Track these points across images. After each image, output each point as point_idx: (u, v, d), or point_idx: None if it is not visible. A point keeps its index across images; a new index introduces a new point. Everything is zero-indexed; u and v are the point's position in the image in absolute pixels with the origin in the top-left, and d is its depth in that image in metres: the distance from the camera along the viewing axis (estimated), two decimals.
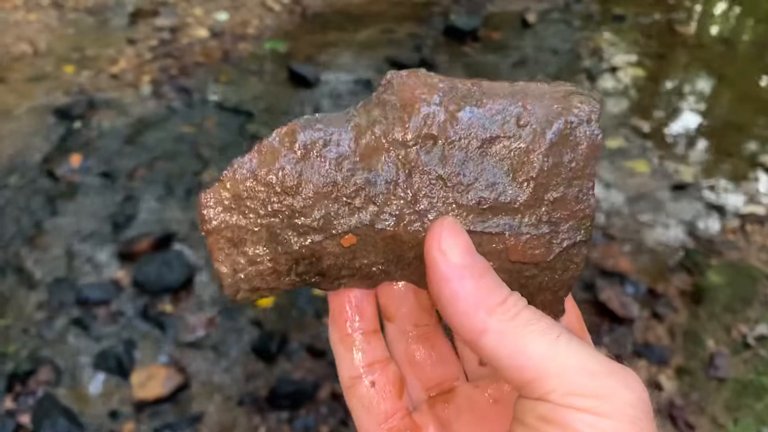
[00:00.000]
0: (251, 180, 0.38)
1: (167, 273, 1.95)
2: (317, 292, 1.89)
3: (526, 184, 0.38)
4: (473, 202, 0.38)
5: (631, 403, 0.33)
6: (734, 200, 2.26)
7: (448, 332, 0.46)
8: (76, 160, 2.40)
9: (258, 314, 1.87)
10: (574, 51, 3.14)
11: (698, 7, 3.55)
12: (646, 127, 2.62)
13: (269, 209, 0.38)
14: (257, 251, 0.39)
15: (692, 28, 3.37)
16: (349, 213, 0.38)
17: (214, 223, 0.38)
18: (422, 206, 0.38)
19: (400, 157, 0.38)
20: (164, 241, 2.07)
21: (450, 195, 0.38)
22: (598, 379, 0.33)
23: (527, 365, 0.34)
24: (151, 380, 1.71)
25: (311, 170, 0.38)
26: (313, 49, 3.13)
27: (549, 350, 0.34)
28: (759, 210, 2.22)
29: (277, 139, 0.38)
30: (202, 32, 3.23)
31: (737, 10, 3.57)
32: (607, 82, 2.91)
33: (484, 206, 0.38)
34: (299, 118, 0.38)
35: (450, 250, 0.36)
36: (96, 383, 1.72)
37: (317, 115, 0.39)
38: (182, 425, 1.62)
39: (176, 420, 1.63)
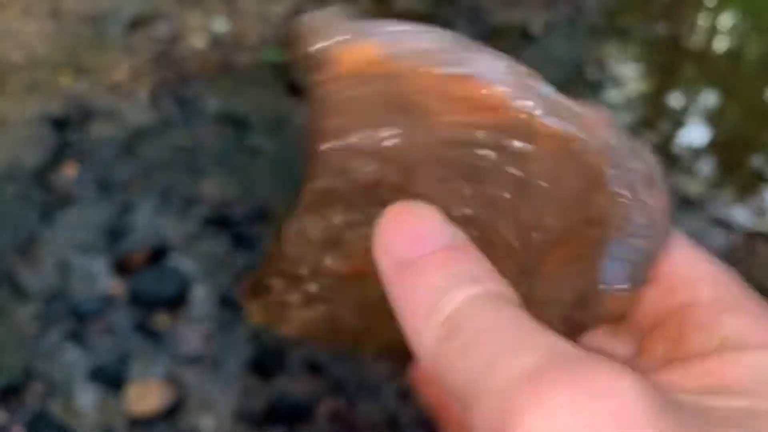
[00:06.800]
0: None
1: (163, 286, 1.92)
2: None
3: None
4: None
5: None
6: (741, 216, 2.24)
7: None
8: (71, 170, 2.37)
9: (255, 329, 1.84)
10: (577, 63, 3.12)
11: (704, 21, 3.55)
12: (651, 140, 2.60)
13: None
14: None
15: (698, 41, 3.36)
16: None
17: None
18: None
19: None
20: (160, 254, 2.04)
21: None
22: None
23: None
24: (147, 395, 1.68)
25: None
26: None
27: None
28: (766, 226, 2.20)
29: None
30: (201, 42, 3.21)
31: (743, 23, 3.57)
32: (611, 95, 2.89)
33: None
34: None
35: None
36: (90, 398, 1.70)
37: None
38: None
39: None
